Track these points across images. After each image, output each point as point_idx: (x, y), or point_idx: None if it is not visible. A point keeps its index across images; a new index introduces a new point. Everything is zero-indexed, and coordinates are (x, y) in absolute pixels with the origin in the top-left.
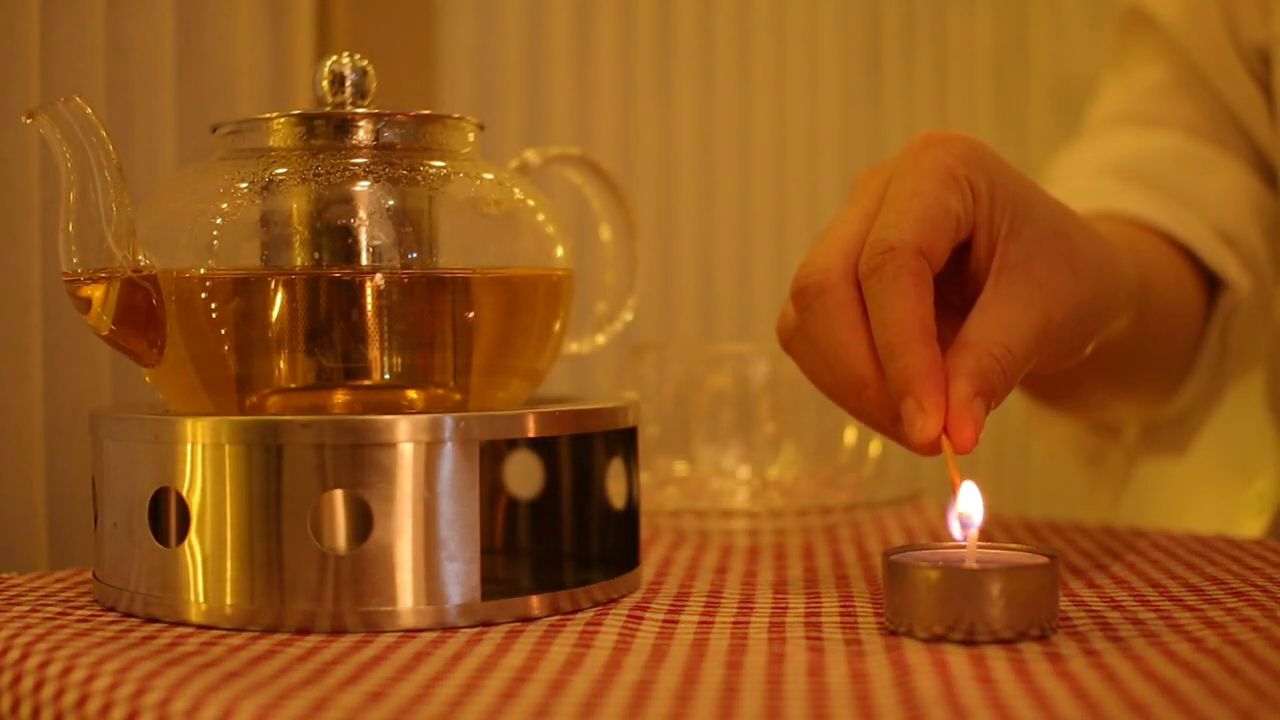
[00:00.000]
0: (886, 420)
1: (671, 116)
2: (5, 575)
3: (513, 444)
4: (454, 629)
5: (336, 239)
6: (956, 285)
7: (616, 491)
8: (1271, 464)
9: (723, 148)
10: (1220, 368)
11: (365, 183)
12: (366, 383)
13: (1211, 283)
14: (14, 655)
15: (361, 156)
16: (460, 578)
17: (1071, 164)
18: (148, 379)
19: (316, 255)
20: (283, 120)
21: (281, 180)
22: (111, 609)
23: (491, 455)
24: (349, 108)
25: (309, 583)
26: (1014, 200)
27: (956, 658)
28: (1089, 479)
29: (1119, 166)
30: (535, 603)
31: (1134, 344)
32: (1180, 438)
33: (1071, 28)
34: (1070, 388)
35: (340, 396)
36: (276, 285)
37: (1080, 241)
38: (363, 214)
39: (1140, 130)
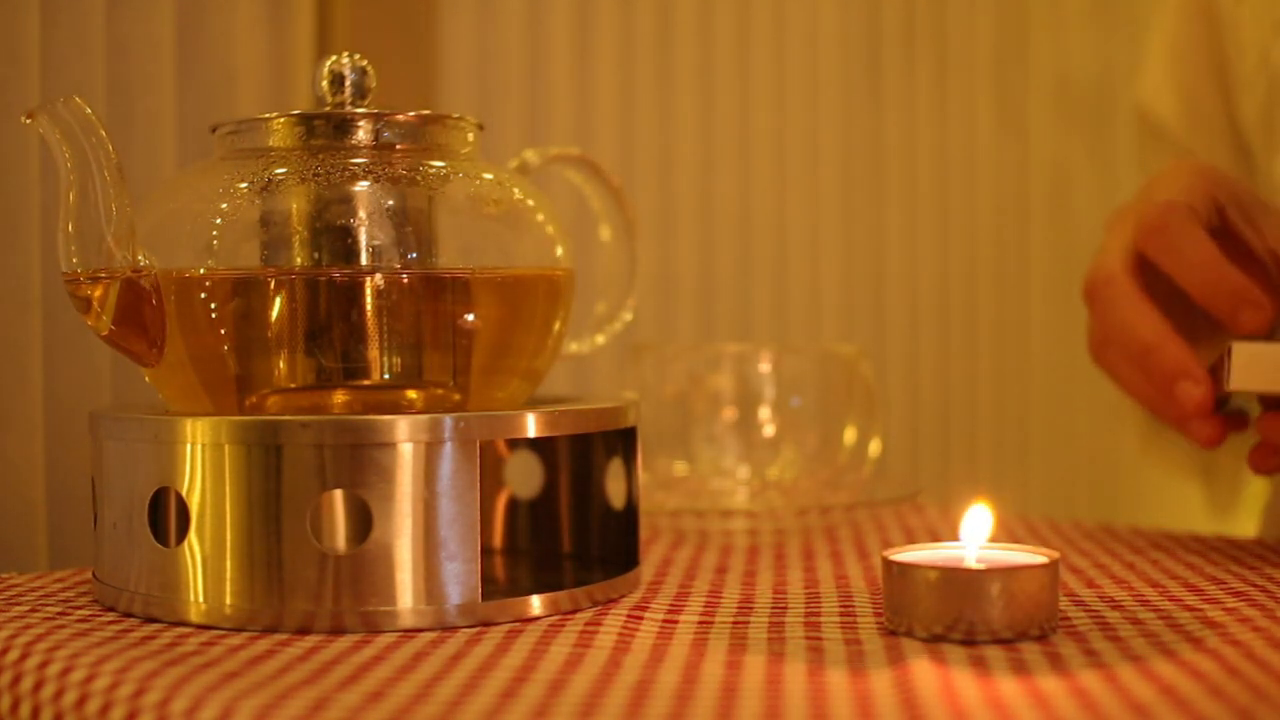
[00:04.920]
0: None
1: (671, 116)
2: (5, 575)
3: (513, 444)
4: (454, 629)
5: (336, 239)
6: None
7: (616, 491)
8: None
9: (723, 148)
10: None
11: (365, 183)
12: (366, 383)
13: None
14: (14, 655)
15: (361, 156)
16: (460, 578)
17: None
18: (148, 379)
19: (316, 255)
20: (283, 120)
21: (281, 180)
22: (111, 609)
23: (491, 455)
24: (349, 108)
25: (309, 583)
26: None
27: (956, 658)
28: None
29: None
30: (535, 603)
31: None
32: None
33: (1072, 28)
34: None
35: (340, 396)
36: (276, 285)
37: None
38: (362, 214)
39: None
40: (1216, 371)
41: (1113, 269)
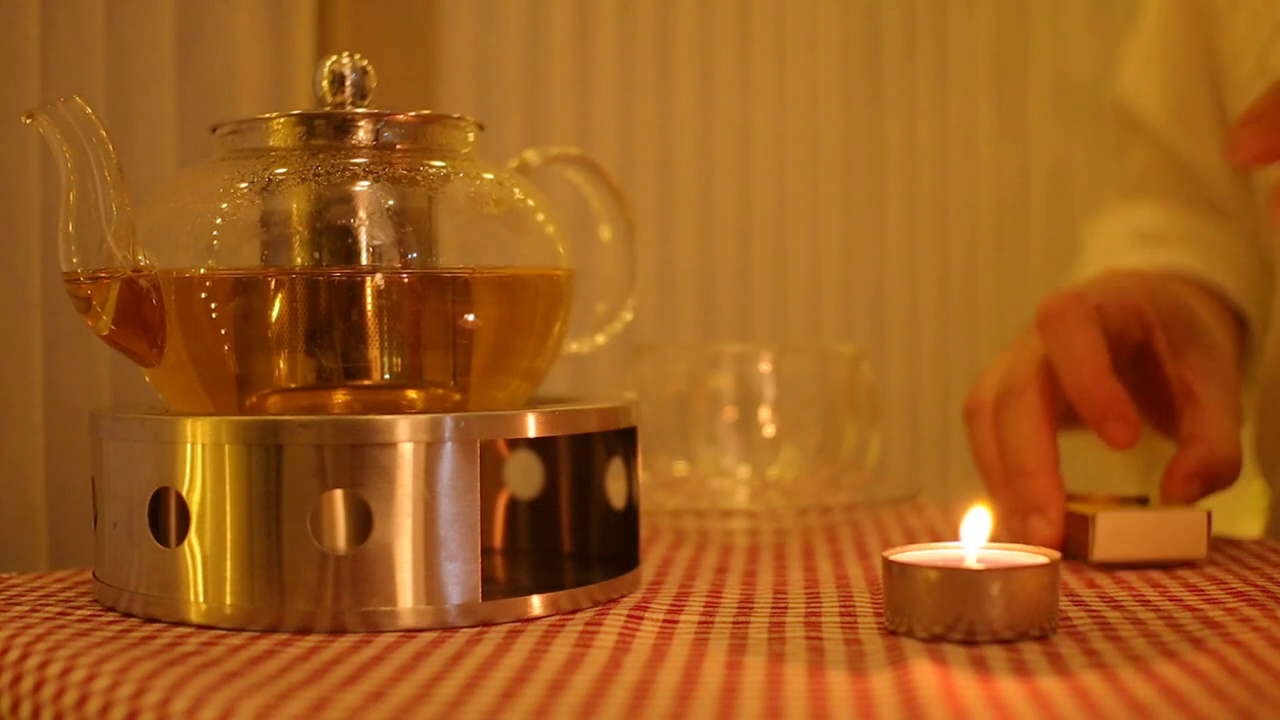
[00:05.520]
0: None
1: (671, 116)
2: (5, 575)
3: (513, 444)
4: (454, 629)
5: (336, 239)
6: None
7: (616, 491)
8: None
9: (723, 148)
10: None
11: (365, 183)
12: (366, 383)
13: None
14: (14, 655)
15: (361, 156)
16: (460, 578)
17: (1105, 234)
18: (148, 379)
19: (316, 255)
20: (283, 120)
21: (281, 180)
22: (111, 609)
23: (491, 455)
24: (349, 108)
25: (309, 583)
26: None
27: (956, 658)
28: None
29: (1144, 232)
30: (535, 603)
31: None
32: None
33: (1071, 28)
34: None
35: (340, 396)
36: (276, 285)
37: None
38: (363, 214)
39: (1153, 202)
40: (1074, 529)
41: (1026, 379)
